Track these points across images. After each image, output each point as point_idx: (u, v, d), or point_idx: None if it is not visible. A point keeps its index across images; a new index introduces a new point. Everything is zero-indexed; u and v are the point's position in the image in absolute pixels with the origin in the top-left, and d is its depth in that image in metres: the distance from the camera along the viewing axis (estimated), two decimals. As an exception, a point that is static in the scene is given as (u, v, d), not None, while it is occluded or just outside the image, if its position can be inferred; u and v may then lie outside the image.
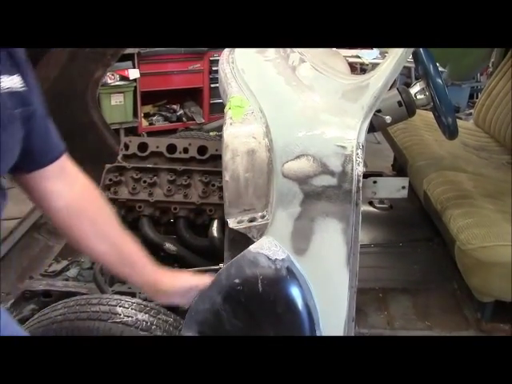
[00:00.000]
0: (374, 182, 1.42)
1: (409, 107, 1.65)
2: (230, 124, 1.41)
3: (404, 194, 1.43)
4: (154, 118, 4.87)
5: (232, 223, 1.41)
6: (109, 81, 4.22)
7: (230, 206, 1.42)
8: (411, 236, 2.18)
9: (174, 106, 4.97)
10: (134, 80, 4.40)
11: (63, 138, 3.28)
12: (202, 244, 1.94)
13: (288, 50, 1.68)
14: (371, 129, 1.64)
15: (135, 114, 4.61)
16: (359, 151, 1.30)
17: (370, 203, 2.36)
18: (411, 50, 1.34)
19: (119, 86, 4.34)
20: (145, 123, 4.78)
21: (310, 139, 1.33)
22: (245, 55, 1.78)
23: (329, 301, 1.40)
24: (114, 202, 1.96)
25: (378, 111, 1.62)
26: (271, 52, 1.77)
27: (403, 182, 1.43)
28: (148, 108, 4.88)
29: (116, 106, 4.40)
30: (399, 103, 1.64)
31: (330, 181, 1.31)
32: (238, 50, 1.85)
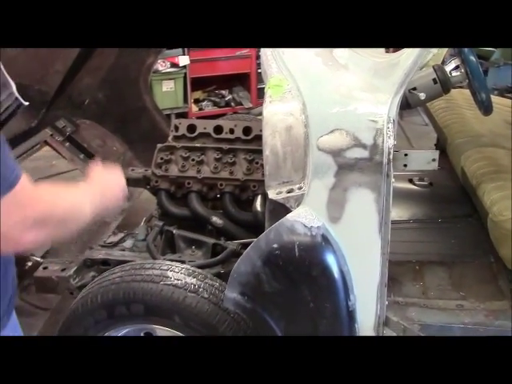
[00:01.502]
0: (405, 155, 1.50)
1: (443, 84, 1.70)
2: (270, 102, 1.52)
3: (434, 166, 1.50)
4: (204, 103, 5.03)
5: (272, 194, 1.52)
6: (160, 68, 4.40)
7: (269, 178, 1.53)
8: (450, 212, 2.22)
9: (223, 92, 5.10)
10: (184, 67, 4.56)
11: (119, 122, 3.44)
12: (246, 218, 2.06)
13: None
14: (406, 106, 1.72)
15: (185, 100, 4.77)
16: (390, 125, 1.39)
17: (410, 181, 2.42)
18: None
19: (170, 72, 4.51)
20: (194, 108, 4.94)
21: (344, 115, 1.42)
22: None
23: (362, 266, 1.50)
24: (165, 178, 2.11)
25: (414, 89, 1.69)
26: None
27: (433, 154, 1.49)
28: (198, 94, 5.03)
29: (167, 92, 4.57)
30: (434, 80, 1.70)
31: (362, 153, 1.40)
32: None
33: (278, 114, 1.50)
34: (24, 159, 2.92)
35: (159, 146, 2.19)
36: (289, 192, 1.50)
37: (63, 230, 1.09)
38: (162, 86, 4.52)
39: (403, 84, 1.40)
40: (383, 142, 1.38)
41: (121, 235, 2.26)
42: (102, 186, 1.27)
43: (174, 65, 4.51)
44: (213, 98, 5.06)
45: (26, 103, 1.91)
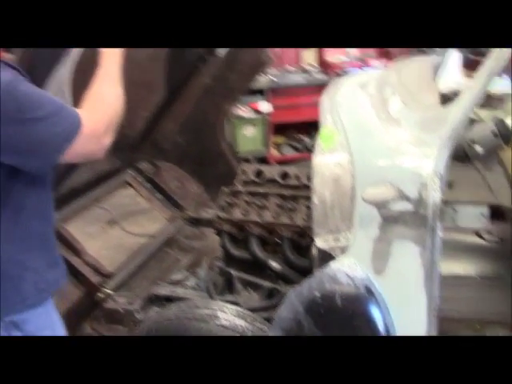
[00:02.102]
0: (454, 210, 1.48)
1: (504, 138, 1.66)
2: (320, 152, 1.58)
3: (484, 222, 1.46)
4: (284, 148, 5.13)
5: (319, 242, 1.56)
6: (241, 113, 4.58)
7: (317, 226, 1.57)
8: (521, 270, 2.11)
9: (303, 137, 5.19)
10: (265, 113, 4.72)
11: (197, 165, 3.62)
12: (304, 264, 2.08)
13: (383, 82, 1.80)
14: (466, 159, 1.70)
15: (266, 144, 4.91)
16: (436, 179, 1.38)
17: (478, 234, 2.33)
18: (489, 82, 1.39)
19: (251, 118, 4.69)
20: (275, 153, 5.06)
21: (390, 168, 1.44)
22: (347, 88, 1.93)
23: (407, 321, 1.47)
24: (227, 221, 2.20)
25: (473, 142, 1.67)
26: (372, 87, 1.89)
27: (482, 210, 1.46)
28: (278, 138, 5.16)
29: (248, 137, 4.75)
30: (494, 133, 1.67)
31: (407, 206, 1.40)
32: (342, 85, 2.00)
33: (327, 165, 1.55)
34: (108, 197, 3.15)
35: (224, 189, 2.30)
36: (335, 241, 1.53)
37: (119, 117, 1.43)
38: (242, 130, 4.70)
39: (451, 138, 1.40)
40: (428, 196, 1.38)
41: (185, 273, 2.37)
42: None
43: (255, 111, 4.68)
44: (293, 143, 5.15)
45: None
